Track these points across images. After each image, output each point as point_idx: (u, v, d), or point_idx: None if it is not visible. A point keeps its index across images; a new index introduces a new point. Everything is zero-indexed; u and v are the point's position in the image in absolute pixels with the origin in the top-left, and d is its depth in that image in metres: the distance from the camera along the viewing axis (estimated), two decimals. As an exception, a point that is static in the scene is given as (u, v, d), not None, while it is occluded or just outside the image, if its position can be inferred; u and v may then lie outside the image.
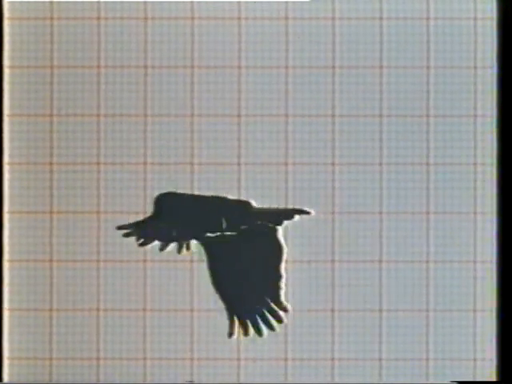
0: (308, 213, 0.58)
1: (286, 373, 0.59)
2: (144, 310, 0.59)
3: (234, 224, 0.58)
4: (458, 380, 0.59)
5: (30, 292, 0.59)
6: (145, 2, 0.59)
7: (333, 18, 0.58)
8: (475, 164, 0.59)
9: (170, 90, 0.59)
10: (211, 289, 0.59)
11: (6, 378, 0.59)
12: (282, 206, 0.59)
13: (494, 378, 0.59)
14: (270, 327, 0.59)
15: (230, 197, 0.59)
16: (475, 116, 0.58)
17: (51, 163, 0.59)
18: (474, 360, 0.59)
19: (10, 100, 0.59)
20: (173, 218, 0.58)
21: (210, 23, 0.59)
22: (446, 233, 0.59)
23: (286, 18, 0.59)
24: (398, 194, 0.59)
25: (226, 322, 0.59)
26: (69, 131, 0.59)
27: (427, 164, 0.58)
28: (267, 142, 0.59)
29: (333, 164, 0.59)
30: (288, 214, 0.58)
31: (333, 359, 0.59)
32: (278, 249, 0.59)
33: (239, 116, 0.59)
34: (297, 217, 0.58)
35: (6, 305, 0.59)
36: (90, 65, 0.59)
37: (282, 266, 0.59)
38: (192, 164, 0.59)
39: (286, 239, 0.59)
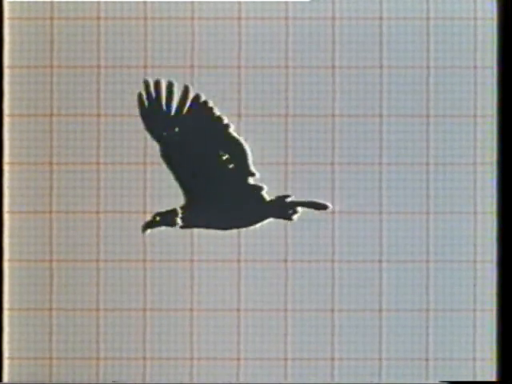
0: (325, 207, 0.58)
1: (285, 373, 0.59)
2: (144, 309, 0.59)
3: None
4: (458, 380, 0.59)
5: (30, 292, 0.59)
6: (145, 2, 0.59)
7: (333, 18, 0.59)
8: (475, 164, 0.59)
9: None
10: (211, 289, 0.59)
11: (5, 377, 0.59)
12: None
13: (493, 378, 0.59)
14: None
15: None
16: (475, 116, 0.58)
17: (51, 163, 0.59)
18: (474, 360, 0.59)
19: (10, 100, 0.59)
20: None
21: (209, 23, 0.59)
22: (446, 233, 0.59)
23: (286, 18, 0.59)
24: (397, 194, 0.59)
25: (226, 322, 0.59)
26: (69, 131, 0.59)
27: (427, 164, 0.58)
28: (267, 142, 0.59)
29: (333, 164, 0.59)
30: (304, 204, 0.58)
31: (333, 359, 0.59)
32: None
33: (239, 116, 0.59)
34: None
35: (6, 305, 0.59)
36: (90, 65, 0.59)
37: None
38: (192, 164, 0.59)
39: (286, 239, 0.59)
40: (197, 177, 0.58)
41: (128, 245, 0.59)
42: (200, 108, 0.58)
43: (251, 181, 0.58)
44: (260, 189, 0.59)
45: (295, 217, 0.59)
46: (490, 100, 0.59)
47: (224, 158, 0.58)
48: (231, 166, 0.58)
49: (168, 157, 0.58)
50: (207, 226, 0.59)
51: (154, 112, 0.58)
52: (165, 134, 0.58)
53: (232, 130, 0.58)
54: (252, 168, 0.58)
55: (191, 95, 0.58)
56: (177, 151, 0.58)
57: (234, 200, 0.58)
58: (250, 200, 0.59)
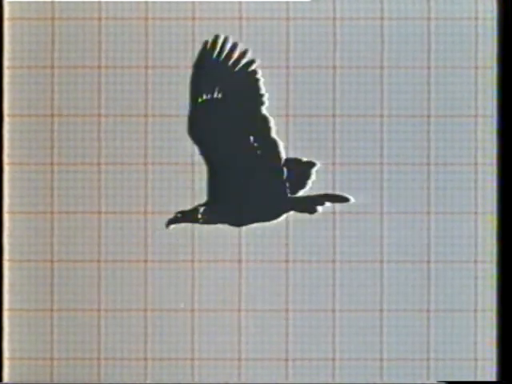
0: (347, 199, 0.58)
1: (286, 373, 0.59)
2: (145, 310, 0.59)
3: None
4: (459, 380, 0.59)
5: (30, 292, 0.59)
6: (145, 3, 0.59)
7: (333, 18, 0.59)
8: (475, 164, 0.59)
9: (170, 90, 0.59)
10: (211, 289, 0.59)
11: (6, 377, 0.59)
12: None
13: (494, 378, 0.59)
14: None
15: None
16: (475, 116, 0.59)
17: (51, 163, 0.59)
18: (474, 360, 0.59)
19: (10, 100, 0.59)
20: None
21: (210, 23, 0.59)
22: (446, 233, 0.59)
23: (287, 18, 0.59)
24: (398, 194, 0.59)
25: (227, 322, 0.59)
26: (69, 131, 0.59)
27: (427, 164, 0.59)
28: (267, 141, 0.59)
29: (333, 164, 0.59)
30: (323, 199, 0.58)
31: (333, 359, 0.59)
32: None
33: (240, 116, 0.59)
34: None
35: (6, 305, 0.59)
36: (91, 65, 0.59)
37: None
38: (192, 164, 0.59)
39: (286, 239, 0.59)
40: (222, 162, 0.58)
41: (129, 245, 0.59)
42: (246, 76, 0.58)
43: (278, 172, 0.58)
44: (285, 182, 0.59)
45: (319, 209, 0.58)
46: (489, 100, 0.59)
47: (254, 145, 0.58)
48: (260, 153, 0.58)
49: (195, 130, 0.58)
50: (227, 222, 0.59)
51: (208, 65, 0.58)
52: (204, 97, 0.57)
53: (265, 111, 0.58)
54: (281, 159, 0.58)
55: (244, 60, 0.58)
56: (206, 123, 0.58)
57: (258, 193, 0.58)
58: (274, 193, 0.59)
